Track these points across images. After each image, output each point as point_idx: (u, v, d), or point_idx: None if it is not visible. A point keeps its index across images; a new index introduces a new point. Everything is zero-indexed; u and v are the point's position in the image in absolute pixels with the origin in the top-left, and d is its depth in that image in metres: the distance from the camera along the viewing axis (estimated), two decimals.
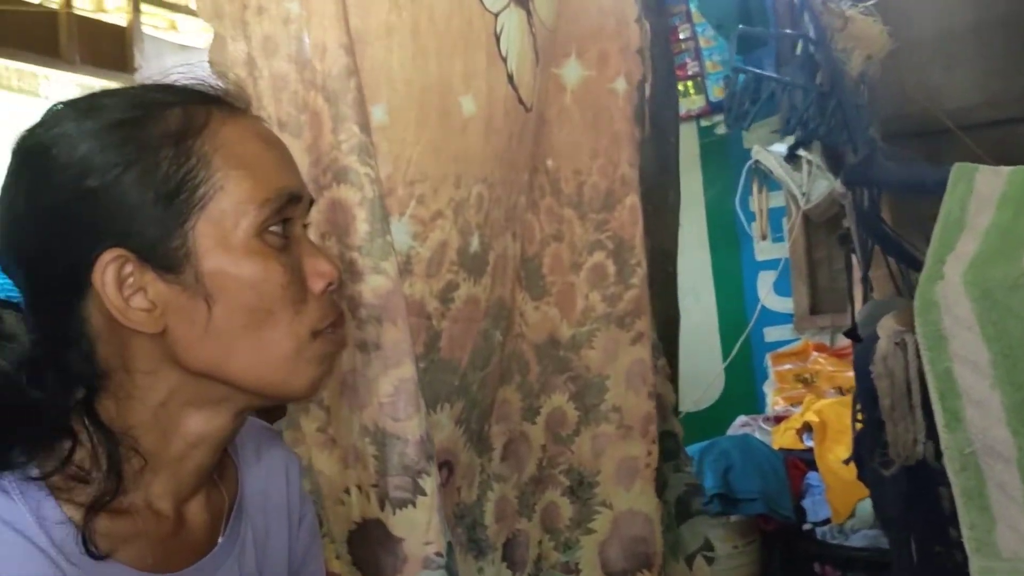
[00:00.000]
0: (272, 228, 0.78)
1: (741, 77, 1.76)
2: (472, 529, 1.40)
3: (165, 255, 0.74)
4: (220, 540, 0.86)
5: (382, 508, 1.14)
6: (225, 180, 0.76)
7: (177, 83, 0.81)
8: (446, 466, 1.35)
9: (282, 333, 0.78)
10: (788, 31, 2.00)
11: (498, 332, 1.45)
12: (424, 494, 1.14)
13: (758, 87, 1.73)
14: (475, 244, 1.35)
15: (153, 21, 4.27)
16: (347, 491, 1.17)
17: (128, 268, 0.74)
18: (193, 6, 1.06)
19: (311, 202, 0.85)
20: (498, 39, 1.36)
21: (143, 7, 4.23)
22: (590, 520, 1.55)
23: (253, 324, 0.77)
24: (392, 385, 1.13)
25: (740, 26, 1.88)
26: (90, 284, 0.74)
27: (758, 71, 1.76)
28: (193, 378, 0.78)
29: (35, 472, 0.74)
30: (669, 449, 1.69)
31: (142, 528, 0.79)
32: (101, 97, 0.78)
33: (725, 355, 3.81)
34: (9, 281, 0.78)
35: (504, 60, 1.37)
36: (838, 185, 2.01)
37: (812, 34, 1.88)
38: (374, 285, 1.12)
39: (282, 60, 1.10)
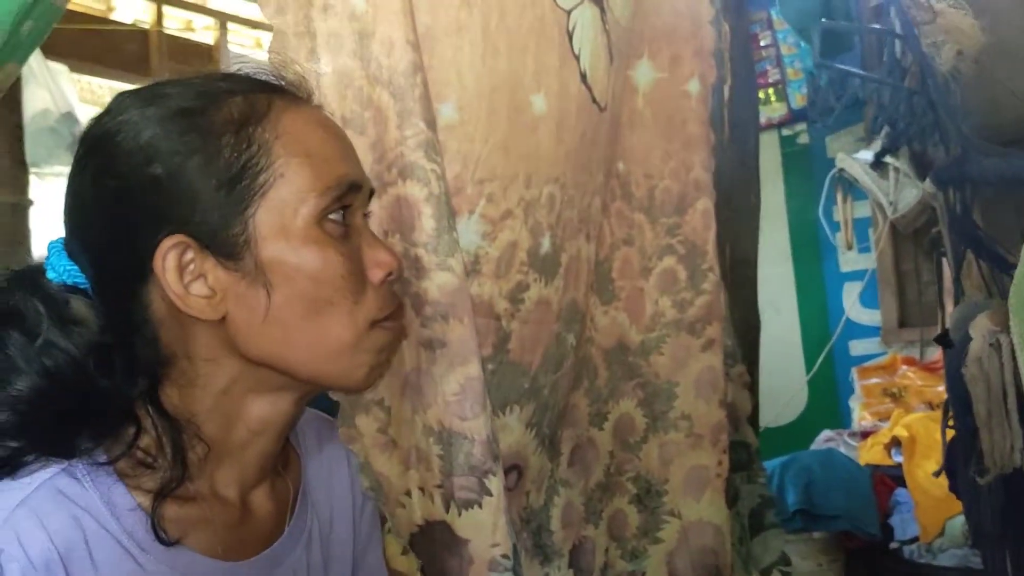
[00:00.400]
0: (332, 216, 0.78)
1: (825, 74, 1.71)
2: (538, 534, 1.37)
3: (225, 242, 0.75)
4: (286, 529, 0.87)
5: (447, 510, 1.12)
6: (286, 168, 0.76)
7: (240, 72, 0.81)
8: (515, 470, 1.32)
9: (341, 323, 0.78)
10: (876, 26, 1.94)
11: (571, 335, 1.42)
12: (490, 495, 1.11)
13: (843, 84, 1.67)
14: (546, 245, 1.32)
15: (239, 40, 4.39)
16: (408, 493, 1.15)
17: (189, 255, 0.75)
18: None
19: (372, 192, 0.85)
20: (571, 37, 1.33)
21: (230, 26, 4.36)
22: (658, 529, 1.51)
23: (312, 313, 0.77)
24: (458, 383, 1.11)
25: (823, 20, 1.82)
26: (152, 270, 0.75)
27: (843, 67, 1.70)
28: (253, 366, 0.78)
29: (103, 457, 0.74)
30: (741, 459, 1.64)
31: (209, 515, 0.79)
32: (165, 86, 0.79)
33: (808, 369, 3.71)
34: (76, 267, 0.79)
35: (577, 58, 1.35)
36: (928, 186, 1.94)
37: (899, 30, 1.82)
38: (440, 282, 1.11)
39: (347, 56, 1.10)
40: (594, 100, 1.39)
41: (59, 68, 3.65)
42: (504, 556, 1.12)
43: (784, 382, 3.64)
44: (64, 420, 0.74)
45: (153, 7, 4.09)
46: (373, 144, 1.11)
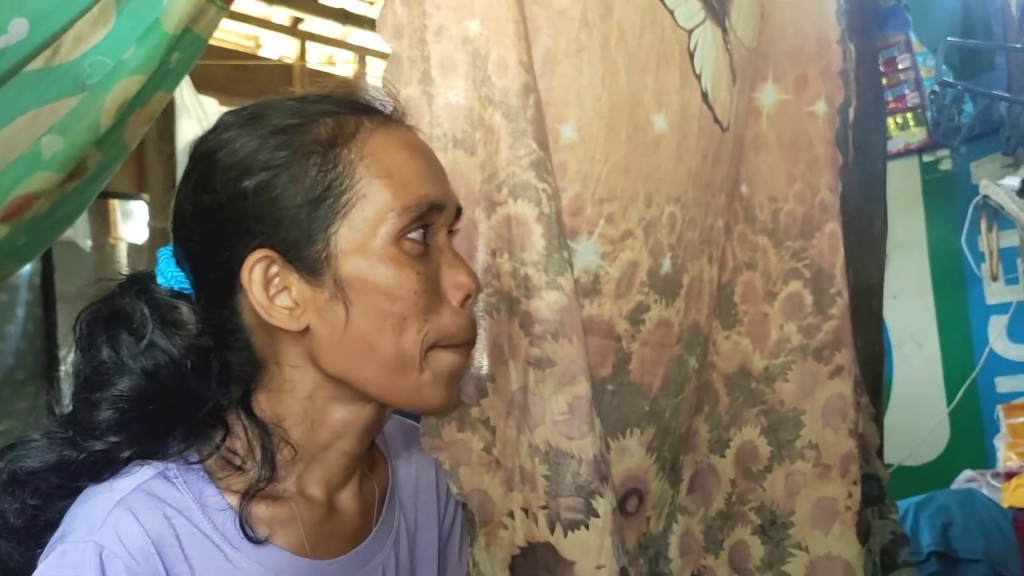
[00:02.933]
0: (411, 235, 0.79)
1: (950, 92, 1.64)
2: (655, 562, 1.35)
3: (308, 258, 0.78)
4: (375, 528, 0.89)
5: (552, 531, 1.11)
6: (368, 188, 0.78)
7: (335, 94, 0.84)
8: (636, 494, 1.31)
9: (411, 339, 0.79)
10: (1016, 45, 1.84)
11: (693, 358, 1.40)
12: (597, 516, 1.10)
13: (972, 102, 1.60)
14: (667, 266, 1.31)
15: (377, 72, 4.55)
16: (510, 514, 1.14)
17: (274, 268, 0.78)
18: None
19: (458, 211, 0.86)
20: (692, 56, 1.32)
21: (368, 59, 4.51)
22: (783, 562, 1.45)
23: (387, 328, 0.78)
24: (566, 403, 1.11)
25: (948, 39, 1.74)
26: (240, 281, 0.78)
27: (968, 86, 1.63)
28: (332, 379, 0.80)
29: (194, 457, 0.78)
30: (872, 494, 1.57)
31: (297, 515, 0.82)
32: (264, 106, 0.83)
33: (950, 406, 3.53)
34: (181, 273, 0.83)
35: (698, 78, 1.33)
36: None
37: None
38: (550, 300, 1.11)
39: (459, 78, 1.12)
40: (716, 120, 1.37)
41: (209, 101, 3.86)
42: None
43: (924, 419, 3.48)
44: (159, 419, 0.79)
45: (297, 43, 4.28)
46: (483, 164, 1.13)
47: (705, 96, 1.35)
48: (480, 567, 1.15)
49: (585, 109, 1.22)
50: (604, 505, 1.11)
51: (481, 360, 1.16)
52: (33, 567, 0.75)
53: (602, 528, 1.10)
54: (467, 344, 0.84)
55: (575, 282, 1.16)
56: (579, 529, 1.10)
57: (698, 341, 1.42)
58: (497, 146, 1.11)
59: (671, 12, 1.29)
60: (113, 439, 0.77)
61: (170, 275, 0.84)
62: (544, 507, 1.11)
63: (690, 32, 1.32)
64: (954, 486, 3.12)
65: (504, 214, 1.12)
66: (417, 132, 0.86)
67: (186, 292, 0.84)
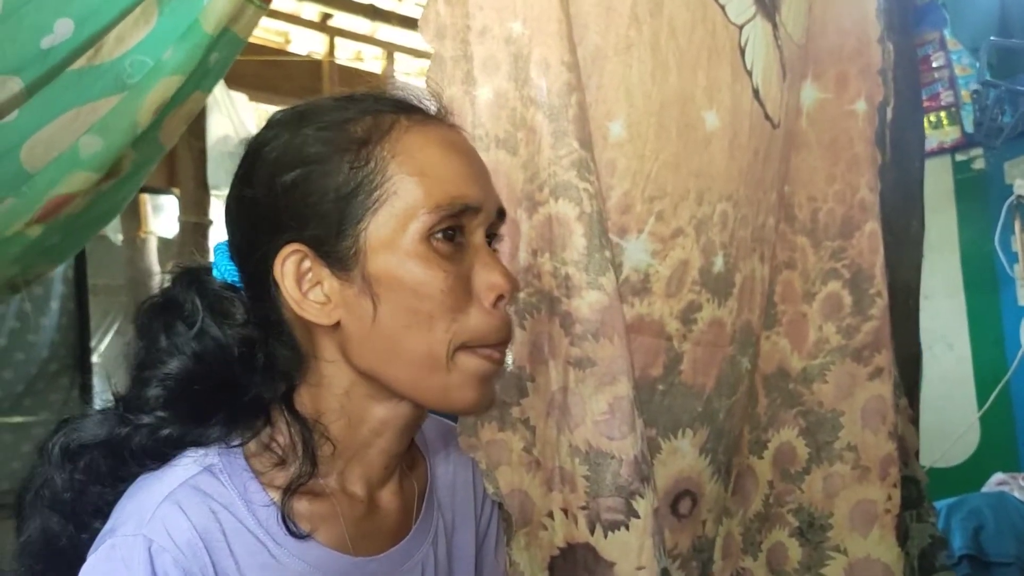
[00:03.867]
0: (442, 234, 0.79)
1: (992, 92, 1.62)
2: (706, 565, 1.34)
3: (339, 253, 0.79)
4: (414, 526, 0.89)
5: (592, 531, 1.11)
6: (399, 185, 0.78)
7: (378, 92, 0.84)
8: (688, 496, 1.30)
9: (437, 338, 0.79)
10: None
11: (746, 359, 1.39)
12: (637, 516, 1.10)
13: (1015, 103, 1.58)
14: (719, 264, 1.30)
15: (404, 68, 4.55)
16: (550, 515, 1.14)
17: (306, 263, 0.79)
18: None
19: (501, 213, 0.85)
20: (743, 52, 1.31)
21: (396, 55, 4.52)
22: (822, 565, 1.44)
23: (413, 325, 0.78)
24: (607, 403, 1.10)
25: (992, 38, 1.72)
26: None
27: (1010, 85, 1.61)
28: (364, 376, 0.81)
29: (236, 441, 0.79)
30: (911, 497, 1.55)
31: (339, 511, 0.83)
32: (311, 104, 0.84)
33: (981, 408, 3.49)
34: (233, 267, 0.85)
35: (749, 74, 1.32)
36: None
37: None
38: (591, 300, 1.10)
39: (502, 79, 1.12)
40: (767, 116, 1.36)
41: (239, 97, 3.89)
42: None
43: (954, 420, 3.44)
44: (203, 399, 0.80)
45: (326, 39, 4.29)
46: (525, 164, 1.13)
47: (756, 92, 1.34)
48: (520, 567, 1.14)
49: (635, 106, 1.21)
50: (645, 506, 1.10)
51: (512, 357, 1.15)
52: (78, 552, 0.76)
53: (643, 529, 1.10)
54: (499, 345, 0.83)
55: (624, 280, 1.15)
56: (619, 530, 1.10)
57: (750, 342, 1.40)
58: (539, 146, 1.11)
59: (722, 7, 1.28)
60: (160, 414, 0.79)
61: (224, 268, 0.86)
62: (584, 508, 1.11)
63: (741, 27, 1.31)
64: (985, 489, 3.08)
65: (545, 214, 1.11)
66: (461, 132, 0.86)
67: (238, 285, 0.85)
